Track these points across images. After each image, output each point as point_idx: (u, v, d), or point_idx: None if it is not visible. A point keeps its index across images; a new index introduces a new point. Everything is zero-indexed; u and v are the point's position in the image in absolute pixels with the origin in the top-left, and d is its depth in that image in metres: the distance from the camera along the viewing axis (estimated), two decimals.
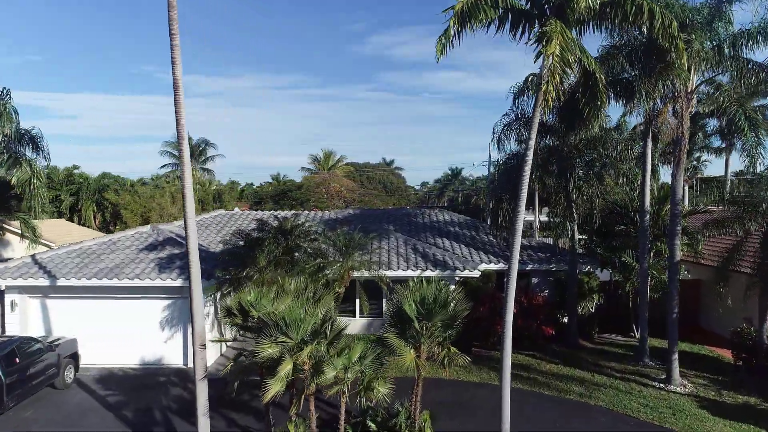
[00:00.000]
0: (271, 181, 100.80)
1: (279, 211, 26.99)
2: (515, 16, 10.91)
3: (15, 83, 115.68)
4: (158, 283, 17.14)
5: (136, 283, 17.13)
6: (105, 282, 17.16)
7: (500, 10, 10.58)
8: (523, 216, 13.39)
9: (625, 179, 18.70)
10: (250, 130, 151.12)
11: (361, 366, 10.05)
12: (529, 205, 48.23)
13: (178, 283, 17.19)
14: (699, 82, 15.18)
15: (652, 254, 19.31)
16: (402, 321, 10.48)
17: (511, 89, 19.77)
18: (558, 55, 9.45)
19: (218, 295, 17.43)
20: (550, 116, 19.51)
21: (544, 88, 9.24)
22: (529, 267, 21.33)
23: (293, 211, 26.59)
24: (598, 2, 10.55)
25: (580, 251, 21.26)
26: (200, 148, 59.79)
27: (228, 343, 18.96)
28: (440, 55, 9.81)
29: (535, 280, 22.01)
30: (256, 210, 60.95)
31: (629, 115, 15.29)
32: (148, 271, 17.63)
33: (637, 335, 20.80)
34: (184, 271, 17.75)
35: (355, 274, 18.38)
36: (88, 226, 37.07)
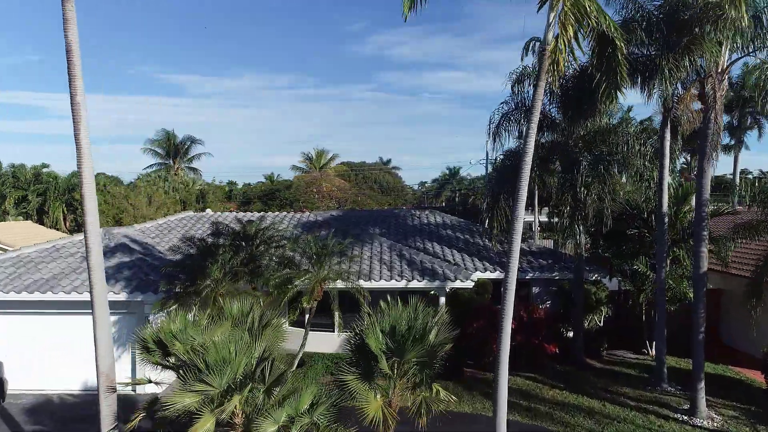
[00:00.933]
0: (264, 180, 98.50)
1: (256, 213, 24.63)
2: None
3: (14, 83, 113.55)
4: None
5: (73, 297, 14.78)
6: (37, 296, 14.80)
7: None
8: (523, 217, 11.06)
9: (639, 177, 16.34)
10: (248, 130, 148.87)
11: (312, 417, 7.67)
12: (529, 205, 45.79)
13: (122, 297, 14.83)
14: (730, 61, 12.80)
15: (668, 261, 16.96)
16: (366, 358, 8.08)
17: (509, 75, 17.42)
18: None
19: (162, 314, 14.90)
20: (553, 105, 17.18)
21: (551, 47, 6.88)
22: (529, 276, 18.97)
23: (260, 213, 24.17)
24: None
25: (586, 255, 18.86)
26: (185, 146, 57.40)
27: None
28: (408, 12, 7.43)
29: (535, 290, 19.65)
30: (244, 211, 58.55)
31: (647, 100, 12.92)
32: (88, 283, 15.23)
33: (651, 352, 18.47)
34: (132, 282, 15.39)
35: (331, 285, 16.02)
36: (58, 228, 34.68)
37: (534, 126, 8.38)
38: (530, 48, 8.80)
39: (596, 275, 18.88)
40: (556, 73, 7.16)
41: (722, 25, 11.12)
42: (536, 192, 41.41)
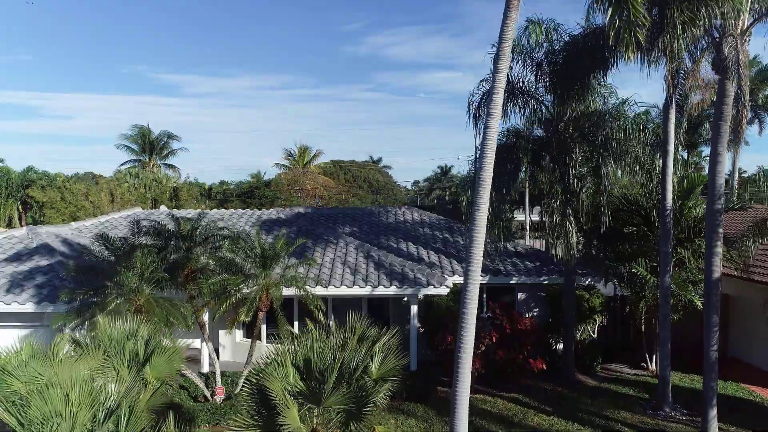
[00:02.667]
0: (250, 179, 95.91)
1: (215, 210, 22.30)
2: None
3: (6, 83, 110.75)
4: (0, 308, 12.46)
5: None
6: None
7: None
8: (488, 201, 8.93)
9: (639, 166, 14.15)
10: (243, 130, 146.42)
11: None
12: (519, 203, 43.69)
13: (28, 308, 12.50)
14: (751, 21, 10.57)
15: (673, 264, 14.77)
16: (268, 407, 5.73)
17: (492, 47, 15.20)
18: None
19: (70, 329, 12.41)
20: (540, 84, 14.96)
21: None
22: (514, 280, 16.74)
23: (208, 211, 21.81)
24: None
25: (578, 257, 16.66)
26: (162, 142, 54.92)
27: None
28: None
29: (522, 296, 17.44)
30: (223, 209, 56.20)
31: (650, 70, 10.70)
32: None
33: (651, 367, 16.29)
34: (42, 290, 13.04)
35: (286, 292, 13.74)
36: (12, 227, 32.20)
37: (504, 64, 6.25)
38: None
39: (589, 279, 16.69)
40: None
41: None
42: (527, 190, 39.32)
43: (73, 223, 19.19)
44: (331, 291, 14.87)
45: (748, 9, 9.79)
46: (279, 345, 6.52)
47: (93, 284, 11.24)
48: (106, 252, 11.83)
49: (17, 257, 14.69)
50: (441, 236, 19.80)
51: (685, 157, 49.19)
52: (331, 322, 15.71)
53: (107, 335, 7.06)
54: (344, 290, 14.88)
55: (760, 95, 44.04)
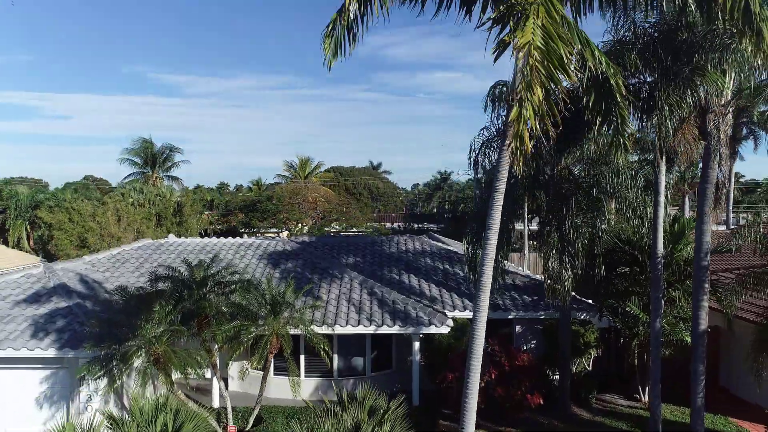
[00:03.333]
0: (251, 185, 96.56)
1: (222, 239, 22.89)
2: None
3: (6, 83, 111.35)
4: (24, 354, 13.10)
5: None
6: None
7: None
8: (492, 265, 9.63)
9: (631, 211, 14.80)
10: (243, 130, 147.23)
11: None
12: (518, 215, 44.25)
13: (50, 353, 13.14)
14: (735, 91, 11.26)
15: (663, 302, 15.42)
16: None
17: (488, 93, 15.87)
18: (540, 46, 5.45)
19: (94, 382, 12.92)
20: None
21: (513, 113, 5.30)
22: (512, 315, 17.43)
23: (217, 241, 22.25)
24: None
25: (573, 294, 17.34)
26: (164, 155, 55.60)
27: None
28: (333, 57, 5.89)
29: (519, 329, 18.11)
30: (223, 222, 56.80)
31: (641, 130, 11.39)
32: (15, 335, 13.55)
33: (644, 398, 16.95)
34: (63, 334, 13.67)
35: (294, 330, 14.40)
36: (21, 247, 32.84)
37: (498, 208, 6.88)
38: (495, 97, 7.22)
39: (585, 314, 17.37)
40: (519, 154, 5.53)
41: (730, 56, 9.59)
42: (525, 203, 39.98)
43: (86, 257, 19.80)
44: (337, 330, 15.53)
45: (729, 87, 10.45)
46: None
47: (114, 335, 11.86)
48: (126, 304, 12.43)
49: (36, 298, 15.33)
50: (441, 267, 20.45)
51: (681, 171, 49.85)
52: (335, 357, 16.42)
53: (138, 408, 7.71)
54: (349, 329, 15.54)
55: (755, 112, 44.75)
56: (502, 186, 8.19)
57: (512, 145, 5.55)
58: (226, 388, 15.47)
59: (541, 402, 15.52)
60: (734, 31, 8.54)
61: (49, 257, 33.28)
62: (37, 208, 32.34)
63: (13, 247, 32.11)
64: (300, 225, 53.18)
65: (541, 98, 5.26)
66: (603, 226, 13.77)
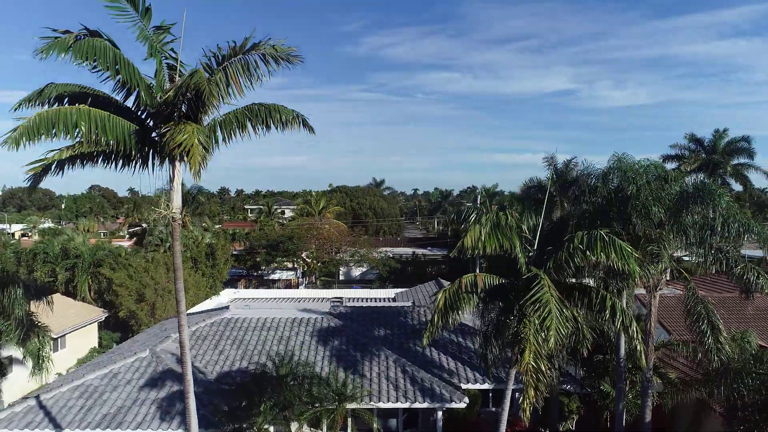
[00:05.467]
0: (261, 209, 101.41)
1: (259, 294, 27.77)
2: None
3: (4, 83, 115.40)
4: None
5: None
6: None
7: None
8: None
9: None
10: None
11: None
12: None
13: None
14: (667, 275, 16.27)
15: (627, 383, 20.38)
16: None
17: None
18: None
19: None
20: None
21: None
22: (512, 387, 22.40)
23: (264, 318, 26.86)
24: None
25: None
26: (192, 195, 60.58)
27: None
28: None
29: (518, 395, 23.06)
30: (249, 259, 61.49)
31: None
32: (149, 418, 18.46)
33: None
34: (185, 418, 18.59)
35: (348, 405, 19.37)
36: (84, 299, 37.72)
37: None
38: None
39: (569, 386, 22.32)
40: None
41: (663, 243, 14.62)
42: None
43: (172, 334, 24.66)
44: (380, 405, 20.47)
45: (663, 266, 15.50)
46: None
47: (232, 417, 16.77)
48: (232, 393, 17.35)
49: (153, 383, 20.23)
50: (456, 340, 25.42)
51: None
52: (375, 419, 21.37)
53: None
54: (389, 405, 20.49)
55: (728, 167, 50.02)
56: None
57: None
58: None
59: None
60: None
61: (108, 306, 38.12)
62: (100, 266, 37.21)
63: (79, 300, 36.96)
64: (317, 262, 58.25)
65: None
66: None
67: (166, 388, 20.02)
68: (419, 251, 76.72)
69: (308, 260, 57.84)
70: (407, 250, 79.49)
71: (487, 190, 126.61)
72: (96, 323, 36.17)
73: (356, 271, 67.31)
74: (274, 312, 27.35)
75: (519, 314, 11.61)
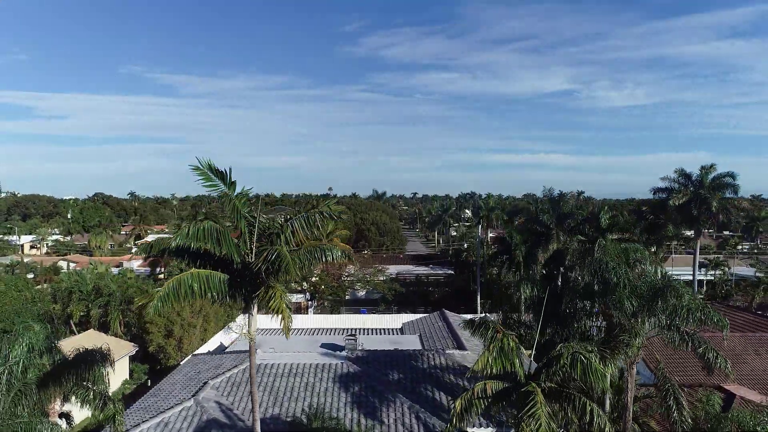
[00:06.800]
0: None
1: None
2: None
3: (1, 82, 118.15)
4: None
5: None
6: None
7: None
8: None
9: None
10: (240, 130, 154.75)
11: None
12: None
13: None
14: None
15: None
16: None
17: None
18: None
19: None
20: None
21: None
22: None
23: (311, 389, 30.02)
24: None
25: None
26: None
27: None
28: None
29: None
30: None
31: None
32: None
33: None
34: None
35: None
36: (116, 334, 40.76)
37: None
38: None
39: None
40: None
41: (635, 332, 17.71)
42: None
43: (210, 381, 27.65)
44: None
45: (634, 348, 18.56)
46: None
47: None
48: None
49: None
50: (461, 384, 28.49)
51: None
52: None
53: None
54: None
55: (713, 202, 53.29)
56: None
57: None
58: None
59: None
60: None
61: (135, 340, 41.11)
62: (130, 304, 40.24)
63: (111, 335, 40.02)
64: (325, 286, 61.31)
65: None
66: None
67: None
68: (422, 271, 79.93)
69: (317, 285, 60.88)
70: (410, 268, 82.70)
71: (486, 203, 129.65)
72: (127, 356, 39.25)
73: (361, 291, 70.56)
74: (298, 357, 30.39)
75: (517, 420, 14.62)
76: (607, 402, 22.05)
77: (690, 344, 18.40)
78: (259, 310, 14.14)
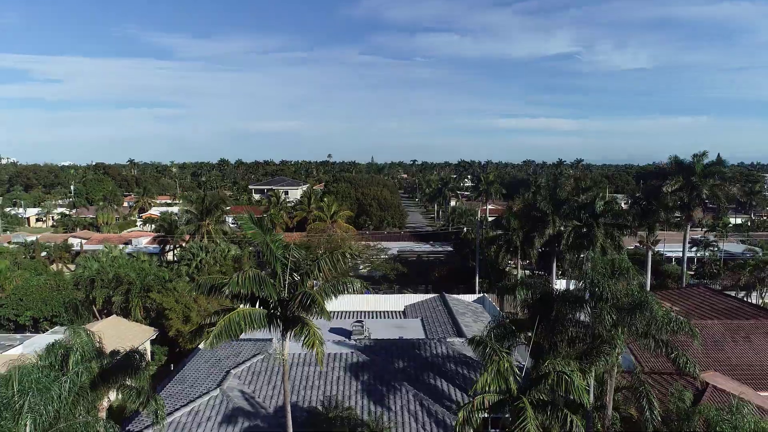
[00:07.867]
0: (265, 190, 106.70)
1: None
2: None
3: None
4: None
5: None
6: None
7: None
8: None
9: None
10: (237, 94, 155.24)
11: None
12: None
13: None
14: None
15: None
16: None
17: None
18: None
19: None
20: None
21: None
22: None
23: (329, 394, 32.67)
24: None
25: None
26: (215, 204, 65.72)
27: None
28: None
29: None
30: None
31: None
32: None
33: None
34: None
35: None
36: (137, 320, 43.47)
37: None
38: None
39: None
40: None
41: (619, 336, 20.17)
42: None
43: (233, 371, 30.27)
44: None
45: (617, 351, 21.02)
46: None
47: None
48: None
49: (229, 419, 25.94)
50: (461, 372, 31.20)
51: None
52: None
53: None
54: None
55: (704, 189, 55.51)
56: None
57: None
58: None
59: None
60: None
61: (155, 324, 43.77)
62: (150, 291, 42.83)
63: (132, 320, 42.73)
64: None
65: None
66: None
67: (239, 424, 25.78)
68: (422, 248, 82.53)
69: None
70: (411, 245, 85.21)
71: (486, 177, 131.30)
72: (149, 340, 42.02)
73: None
74: None
75: (510, 430, 17.14)
76: (591, 394, 24.64)
77: (663, 350, 20.88)
78: (286, 329, 16.52)
